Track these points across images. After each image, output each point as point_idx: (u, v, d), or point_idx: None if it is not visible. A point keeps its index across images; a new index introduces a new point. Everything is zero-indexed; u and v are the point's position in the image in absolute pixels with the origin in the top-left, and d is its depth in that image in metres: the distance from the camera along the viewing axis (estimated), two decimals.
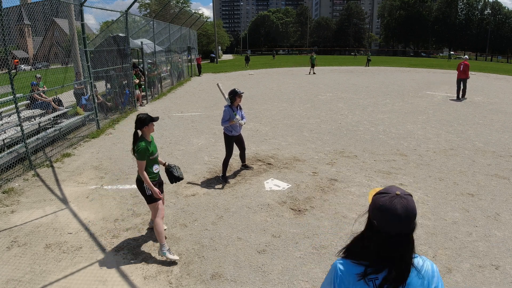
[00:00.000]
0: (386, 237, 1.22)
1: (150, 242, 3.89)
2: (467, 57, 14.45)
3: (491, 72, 28.88)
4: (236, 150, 5.83)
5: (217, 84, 5.83)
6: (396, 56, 72.95)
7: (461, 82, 13.58)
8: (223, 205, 4.77)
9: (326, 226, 4.18)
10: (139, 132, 3.60)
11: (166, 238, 3.77)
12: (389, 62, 42.67)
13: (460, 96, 13.67)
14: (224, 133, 5.58)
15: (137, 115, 3.58)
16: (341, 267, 1.31)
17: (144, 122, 3.52)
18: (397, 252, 1.23)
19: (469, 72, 13.79)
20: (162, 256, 3.54)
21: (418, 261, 1.29)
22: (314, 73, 24.62)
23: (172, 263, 3.51)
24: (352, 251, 1.32)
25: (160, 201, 3.66)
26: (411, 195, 1.26)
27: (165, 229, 3.93)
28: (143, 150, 3.46)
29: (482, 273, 3.32)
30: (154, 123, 3.61)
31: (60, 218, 4.49)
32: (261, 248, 3.76)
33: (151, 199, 3.61)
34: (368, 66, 32.46)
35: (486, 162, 6.39)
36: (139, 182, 3.61)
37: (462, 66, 13.56)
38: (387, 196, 1.24)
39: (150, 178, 3.57)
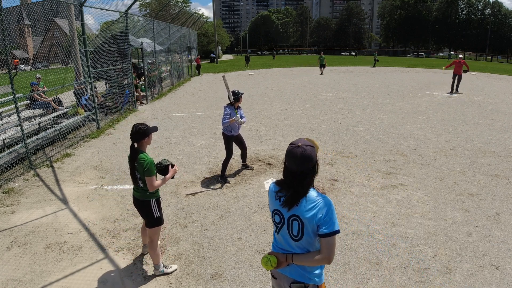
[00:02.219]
0: (289, 172, 1.83)
1: None
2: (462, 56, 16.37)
3: (491, 72, 28.87)
4: (237, 150, 5.84)
5: (223, 76, 5.79)
6: (396, 56, 72.98)
7: (457, 77, 15.11)
8: (223, 205, 4.77)
9: None
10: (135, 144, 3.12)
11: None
12: (389, 62, 42.68)
13: (454, 90, 15.15)
14: (223, 133, 5.59)
15: (135, 126, 3.08)
16: (272, 186, 1.98)
17: (145, 133, 3.05)
18: (296, 182, 1.81)
19: (469, 72, 16.05)
20: (159, 274, 3.33)
21: (313, 194, 1.84)
22: (321, 73, 24.58)
23: (172, 263, 3.51)
24: (278, 180, 1.98)
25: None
26: (313, 147, 1.82)
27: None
28: (151, 164, 3.03)
29: (482, 273, 3.32)
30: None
31: (60, 218, 4.49)
32: (261, 248, 3.76)
33: (158, 221, 3.22)
34: (375, 66, 32.35)
35: (486, 162, 6.39)
36: (145, 203, 3.19)
37: (461, 63, 15.14)
38: (293, 146, 1.81)
39: (154, 194, 3.22)
